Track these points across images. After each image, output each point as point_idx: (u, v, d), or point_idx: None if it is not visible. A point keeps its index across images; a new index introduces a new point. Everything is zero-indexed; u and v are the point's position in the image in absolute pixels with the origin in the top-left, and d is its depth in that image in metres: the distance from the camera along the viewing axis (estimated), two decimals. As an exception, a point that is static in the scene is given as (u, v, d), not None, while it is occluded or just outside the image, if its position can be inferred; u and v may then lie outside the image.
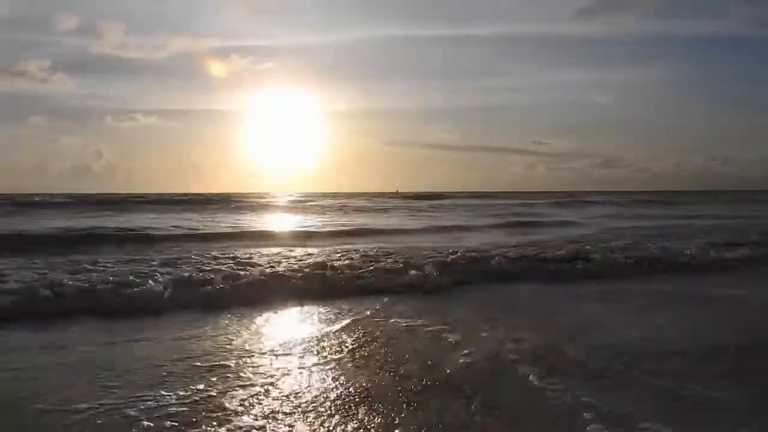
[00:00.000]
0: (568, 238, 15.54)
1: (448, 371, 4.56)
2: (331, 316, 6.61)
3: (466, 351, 5.06)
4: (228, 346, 5.32)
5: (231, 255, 10.84)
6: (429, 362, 4.78)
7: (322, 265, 9.00)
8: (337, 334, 5.77)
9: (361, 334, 5.72)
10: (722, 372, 4.53)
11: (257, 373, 4.53)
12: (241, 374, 4.51)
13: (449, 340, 5.48)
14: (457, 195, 74.51)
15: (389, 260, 9.77)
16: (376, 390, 4.17)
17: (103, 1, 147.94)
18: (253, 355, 5.03)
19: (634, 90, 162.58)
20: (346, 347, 5.28)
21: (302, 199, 55.92)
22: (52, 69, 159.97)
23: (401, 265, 9.24)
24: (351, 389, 4.19)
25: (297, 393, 4.11)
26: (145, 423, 3.57)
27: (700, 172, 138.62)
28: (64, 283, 7.34)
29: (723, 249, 12.00)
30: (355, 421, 3.63)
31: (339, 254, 10.93)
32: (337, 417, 3.69)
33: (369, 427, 3.56)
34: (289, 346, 5.32)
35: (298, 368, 4.66)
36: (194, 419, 3.64)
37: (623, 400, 3.91)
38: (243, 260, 10.06)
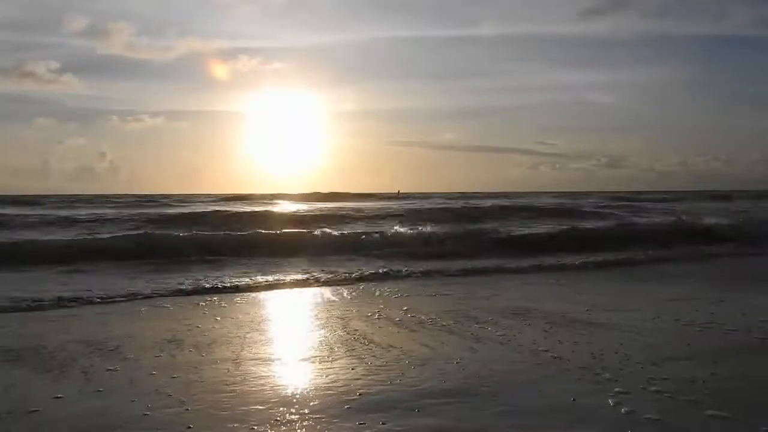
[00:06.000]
0: None
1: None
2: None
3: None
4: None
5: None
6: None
7: None
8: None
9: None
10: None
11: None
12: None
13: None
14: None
15: None
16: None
17: (112, 3, 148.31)
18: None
19: (641, 89, 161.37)
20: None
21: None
22: (60, 70, 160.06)
23: None
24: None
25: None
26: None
27: (703, 171, 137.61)
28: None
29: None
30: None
31: None
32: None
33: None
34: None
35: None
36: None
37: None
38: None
